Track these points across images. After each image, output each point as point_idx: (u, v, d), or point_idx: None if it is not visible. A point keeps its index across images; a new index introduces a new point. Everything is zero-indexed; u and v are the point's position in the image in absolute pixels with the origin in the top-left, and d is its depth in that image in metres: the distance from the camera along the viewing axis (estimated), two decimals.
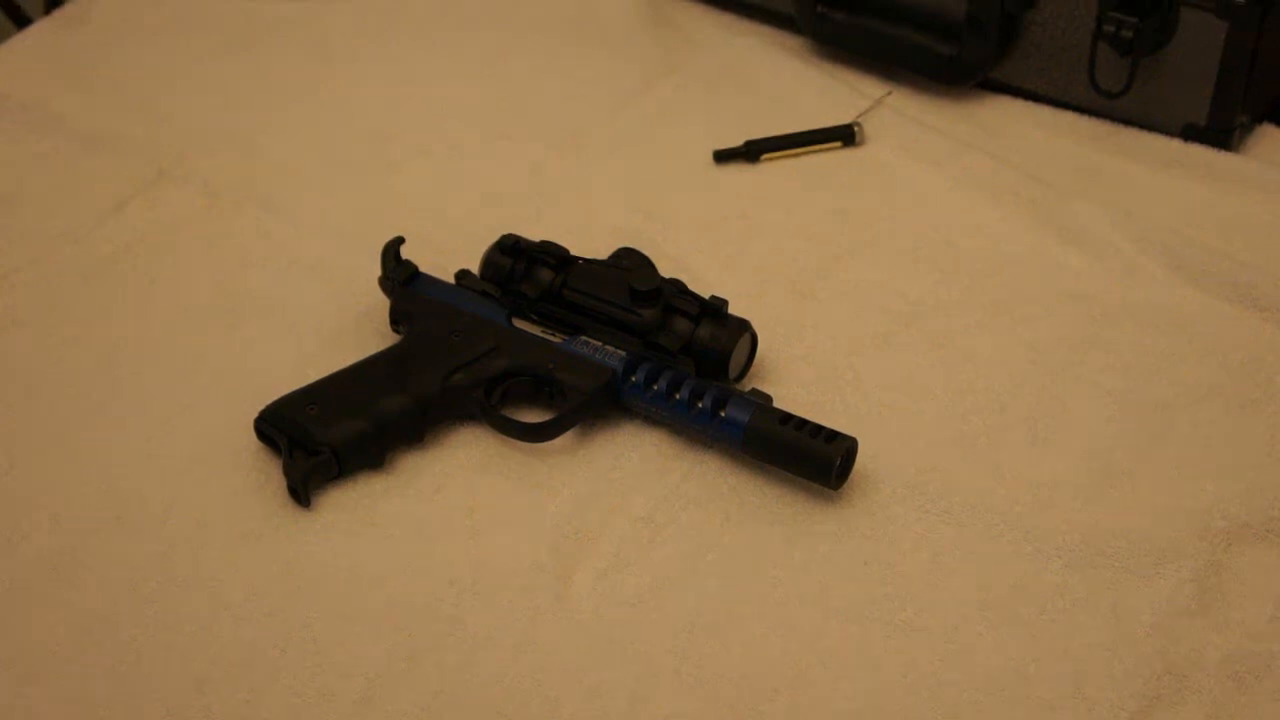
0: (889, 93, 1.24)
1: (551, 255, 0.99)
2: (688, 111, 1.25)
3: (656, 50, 1.31)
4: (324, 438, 0.91)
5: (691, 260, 1.08)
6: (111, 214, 1.14)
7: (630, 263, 1.01)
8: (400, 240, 1.02)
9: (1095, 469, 0.94)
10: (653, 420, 0.96)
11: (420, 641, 0.84)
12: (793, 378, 0.99)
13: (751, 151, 1.19)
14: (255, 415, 0.94)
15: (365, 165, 1.20)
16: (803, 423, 0.91)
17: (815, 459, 0.90)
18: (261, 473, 0.93)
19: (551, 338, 0.97)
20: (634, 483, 0.93)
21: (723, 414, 0.92)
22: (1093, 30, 1.14)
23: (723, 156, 1.19)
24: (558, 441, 0.95)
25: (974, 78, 1.22)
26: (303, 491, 0.91)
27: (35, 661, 0.84)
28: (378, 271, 1.02)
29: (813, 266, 1.09)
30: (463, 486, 0.93)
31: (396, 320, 1.01)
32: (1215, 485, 0.92)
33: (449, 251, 1.05)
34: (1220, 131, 1.16)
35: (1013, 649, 0.84)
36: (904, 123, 1.21)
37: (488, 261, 1.01)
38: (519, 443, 0.95)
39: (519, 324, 0.99)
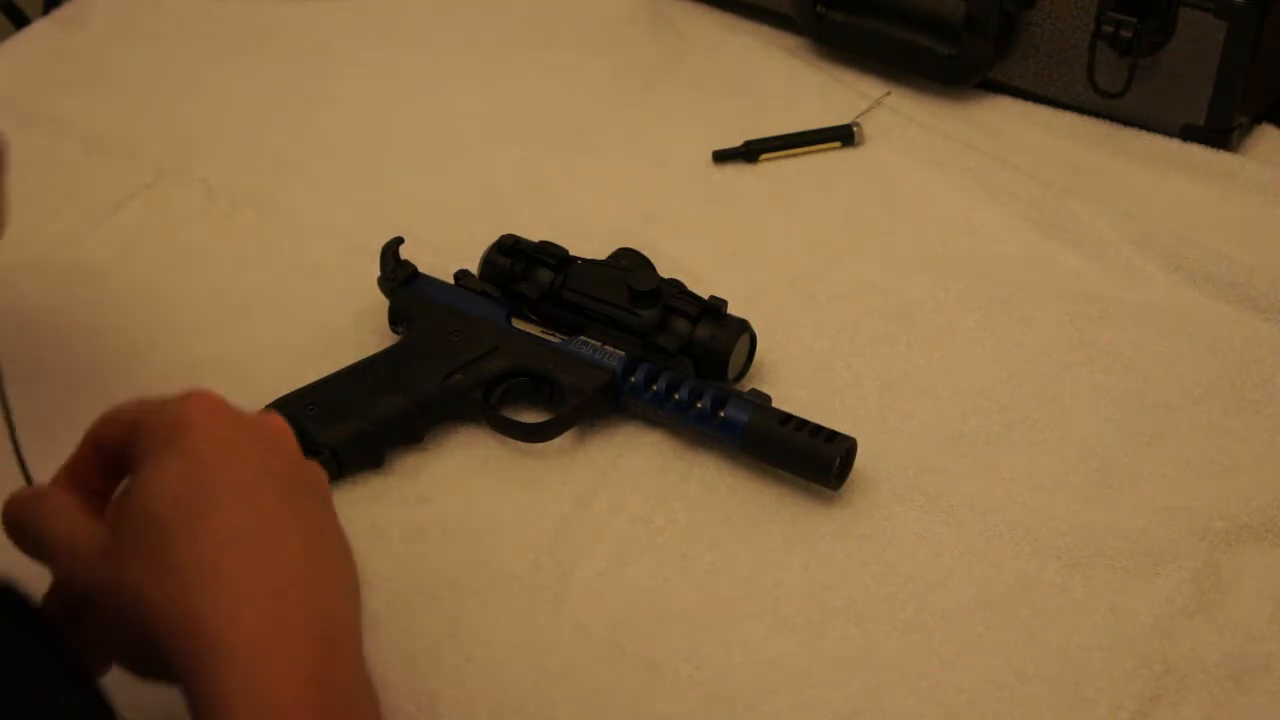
0: (888, 93, 1.24)
1: (550, 255, 0.99)
2: (687, 111, 1.25)
3: (656, 50, 1.31)
4: (323, 438, 0.91)
5: (691, 260, 1.07)
6: (110, 215, 1.14)
7: (629, 263, 1.01)
8: (399, 240, 1.02)
9: (1095, 469, 0.93)
10: (652, 421, 0.96)
11: (420, 641, 0.84)
12: (792, 378, 0.99)
13: (750, 152, 1.18)
14: None
15: (364, 166, 1.19)
16: (802, 423, 0.91)
17: (815, 459, 0.90)
18: None
19: (551, 338, 0.97)
20: (633, 483, 0.93)
21: (722, 414, 0.92)
22: (1092, 30, 1.14)
23: (722, 157, 1.19)
24: (557, 442, 0.95)
25: (973, 78, 1.22)
26: None
27: None
28: (377, 272, 1.02)
29: (812, 266, 1.09)
30: (462, 487, 0.93)
31: (395, 321, 1.01)
32: (1215, 485, 0.92)
33: (448, 251, 1.05)
34: (1219, 132, 1.16)
35: (1012, 649, 0.83)
36: (903, 123, 1.21)
37: (487, 262, 1.01)
38: (518, 443, 0.95)
39: (518, 324, 0.98)
